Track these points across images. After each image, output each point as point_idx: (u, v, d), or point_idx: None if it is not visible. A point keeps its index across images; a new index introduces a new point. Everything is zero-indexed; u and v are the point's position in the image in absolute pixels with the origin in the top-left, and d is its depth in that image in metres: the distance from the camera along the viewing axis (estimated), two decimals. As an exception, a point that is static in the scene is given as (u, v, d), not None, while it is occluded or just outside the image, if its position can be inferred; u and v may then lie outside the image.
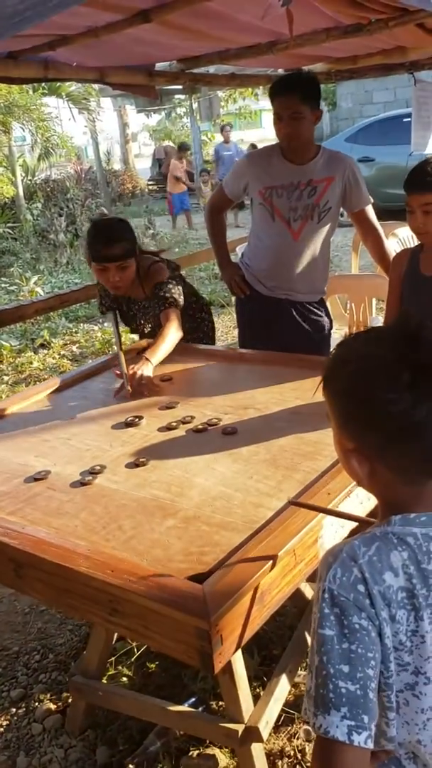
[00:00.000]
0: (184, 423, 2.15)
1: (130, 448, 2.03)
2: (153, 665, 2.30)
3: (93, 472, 1.89)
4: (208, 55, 3.11)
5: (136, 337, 3.28)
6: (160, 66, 3.30)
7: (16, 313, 3.87)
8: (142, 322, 2.93)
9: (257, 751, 1.76)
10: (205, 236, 4.05)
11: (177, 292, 2.74)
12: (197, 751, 1.96)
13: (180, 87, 4.56)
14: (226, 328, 6.12)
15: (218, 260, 3.31)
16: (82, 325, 6.93)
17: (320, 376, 1.03)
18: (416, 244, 2.52)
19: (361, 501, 1.67)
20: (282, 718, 2.02)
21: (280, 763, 1.94)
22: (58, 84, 11.36)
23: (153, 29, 2.27)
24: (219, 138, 20.41)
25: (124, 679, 2.26)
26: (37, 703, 2.24)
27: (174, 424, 2.14)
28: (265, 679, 2.10)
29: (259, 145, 6.30)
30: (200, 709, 2.04)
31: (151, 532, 1.58)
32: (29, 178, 15.06)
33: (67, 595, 1.52)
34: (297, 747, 1.98)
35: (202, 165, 16.21)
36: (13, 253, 11.01)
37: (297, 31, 2.52)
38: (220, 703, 2.06)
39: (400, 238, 4.49)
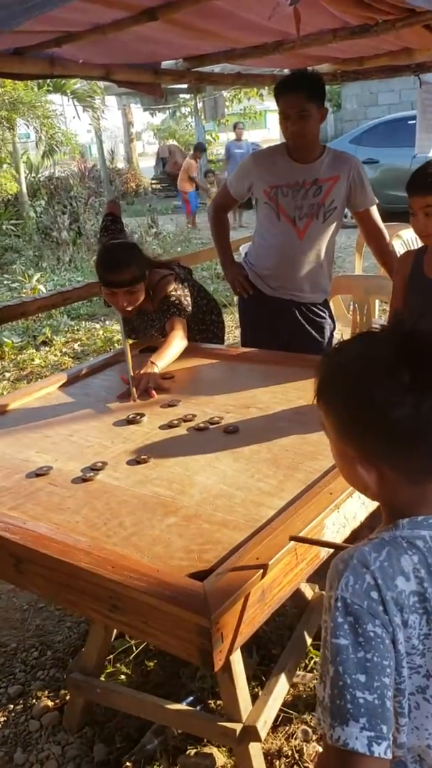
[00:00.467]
0: (185, 421, 2.15)
1: (132, 446, 2.03)
2: (151, 663, 2.30)
3: (94, 469, 1.89)
4: (214, 54, 3.11)
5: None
6: (166, 64, 3.31)
7: (19, 309, 3.88)
8: (153, 333, 2.95)
9: (255, 750, 1.75)
10: (208, 236, 4.05)
11: (185, 302, 2.78)
12: (195, 750, 1.96)
13: (185, 86, 4.57)
14: (228, 328, 6.08)
15: (221, 260, 3.31)
16: (84, 322, 6.93)
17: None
18: (420, 246, 2.51)
19: (363, 502, 1.66)
20: (280, 718, 2.01)
21: (277, 762, 1.94)
22: (63, 81, 11.37)
23: (159, 27, 2.27)
24: (223, 138, 20.42)
25: (123, 676, 2.25)
26: (34, 700, 2.24)
27: (175, 422, 2.14)
28: (263, 678, 2.09)
29: (263, 146, 6.29)
30: (198, 707, 2.03)
31: (152, 529, 1.58)
32: (33, 175, 15.08)
33: (67, 590, 1.52)
34: (295, 747, 1.97)
35: (206, 165, 16.18)
36: (15, 250, 11.01)
37: (304, 31, 2.52)
38: (218, 702, 2.06)
39: (404, 240, 4.48)
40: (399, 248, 3.82)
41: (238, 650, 1.52)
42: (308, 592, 2.28)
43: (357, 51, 3.28)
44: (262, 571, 1.36)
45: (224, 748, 1.95)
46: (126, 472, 1.88)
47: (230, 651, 1.33)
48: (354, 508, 1.65)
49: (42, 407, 2.42)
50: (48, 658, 2.43)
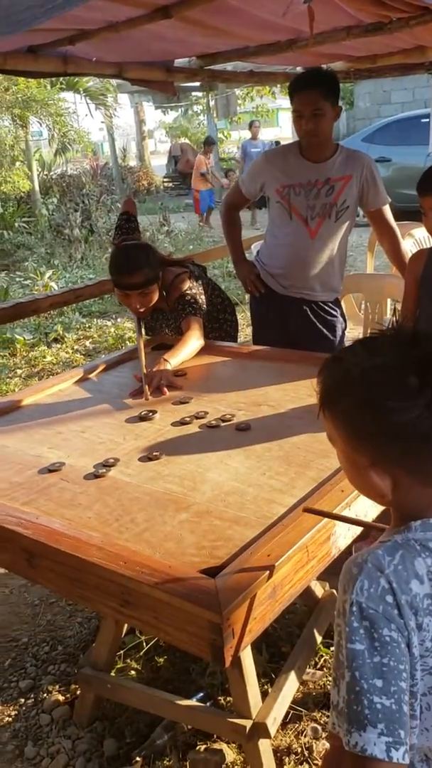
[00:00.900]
0: (197, 418, 2.15)
1: (144, 442, 2.04)
2: (161, 659, 2.31)
3: (106, 465, 1.89)
4: (226, 52, 3.12)
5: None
6: (178, 62, 3.31)
7: (31, 306, 3.89)
8: (167, 332, 2.95)
9: (264, 747, 1.76)
10: (220, 234, 4.05)
11: (200, 300, 2.78)
12: (204, 746, 1.97)
13: (197, 84, 4.57)
14: (239, 326, 6.11)
15: (233, 258, 3.31)
16: (95, 320, 6.95)
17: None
18: (433, 244, 2.51)
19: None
20: (290, 715, 2.02)
21: (287, 759, 1.94)
22: (76, 79, 11.41)
23: (172, 25, 2.28)
24: (235, 136, 20.37)
25: (133, 672, 2.27)
26: (45, 694, 2.26)
27: (187, 419, 2.15)
28: (273, 676, 2.10)
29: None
30: (208, 703, 2.04)
31: (164, 525, 1.59)
32: (45, 173, 15.13)
33: (79, 585, 1.53)
34: (304, 744, 1.98)
35: (218, 162, 16.15)
36: (28, 247, 11.06)
37: (317, 28, 2.52)
38: (228, 698, 2.07)
39: (416, 239, 4.47)
40: (411, 247, 3.82)
41: (248, 647, 1.52)
42: (318, 589, 2.28)
43: (370, 49, 3.28)
44: (273, 568, 1.36)
45: (234, 744, 1.95)
46: (138, 468, 1.88)
47: (241, 647, 1.33)
48: (365, 506, 1.65)
49: (54, 403, 2.44)
50: (59, 653, 2.45)
